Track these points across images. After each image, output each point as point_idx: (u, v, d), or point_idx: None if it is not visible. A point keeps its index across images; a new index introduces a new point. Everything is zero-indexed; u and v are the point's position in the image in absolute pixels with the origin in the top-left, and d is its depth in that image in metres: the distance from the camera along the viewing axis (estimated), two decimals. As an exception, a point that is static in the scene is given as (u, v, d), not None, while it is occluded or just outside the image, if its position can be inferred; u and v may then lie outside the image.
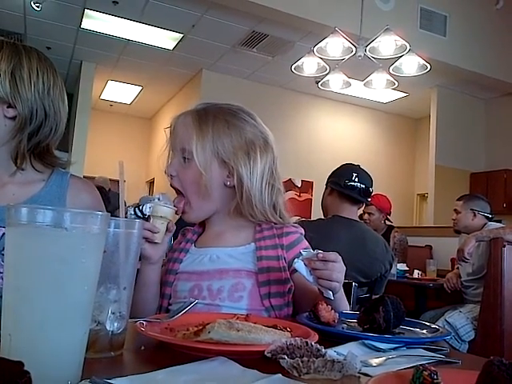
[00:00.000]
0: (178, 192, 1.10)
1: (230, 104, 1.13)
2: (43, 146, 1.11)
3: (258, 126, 1.11)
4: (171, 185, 1.10)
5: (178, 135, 1.09)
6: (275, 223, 1.11)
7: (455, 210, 3.36)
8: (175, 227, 1.05)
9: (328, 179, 2.48)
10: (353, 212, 2.40)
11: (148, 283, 1.06)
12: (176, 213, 1.07)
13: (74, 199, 1.16)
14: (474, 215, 3.25)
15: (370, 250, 2.30)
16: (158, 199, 1.03)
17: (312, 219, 2.74)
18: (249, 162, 1.05)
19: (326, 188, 2.50)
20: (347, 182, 2.37)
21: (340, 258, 0.91)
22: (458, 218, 3.33)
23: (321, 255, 0.89)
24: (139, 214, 1.00)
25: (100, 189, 4.12)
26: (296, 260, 0.92)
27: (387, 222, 4.24)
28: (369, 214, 4.07)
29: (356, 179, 2.36)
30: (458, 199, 3.42)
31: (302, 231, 1.15)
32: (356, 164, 2.53)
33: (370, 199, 2.51)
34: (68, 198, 1.16)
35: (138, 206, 1.02)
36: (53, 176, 1.17)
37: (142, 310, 1.01)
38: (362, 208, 3.82)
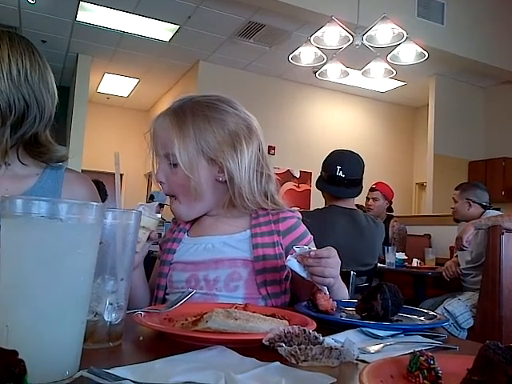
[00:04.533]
0: (170, 197, 1.09)
1: (207, 95, 1.08)
2: (30, 136, 1.05)
3: (240, 113, 1.07)
4: (164, 191, 1.07)
5: (160, 140, 1.05)
6: (271, 209, 1.10)
7: (453, 198, 3.38)
8: (157, 236, 1.04)
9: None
10: (349, 202, 2.39)
11: (134, 286, 1.04)
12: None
13: (69, 193, 1.13)
14: (470, 205, 3.26)
15: (368, 238, 2.30)
16: (143, 209, 1.02)
17: (309, 210, 2.73)
18: (236, 155, 1.02)
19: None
20: (332, 178, 2.31)
21: (334, 252, 0.90)
22: (455, 208, 3.34)
23: (313, 253, 0.89)
24: None
25: (98, 183, 4.14)
26: (289, 258, 0.91)
27: (388, 212, 4.24)
28: (373, 199, 4.05)
29: (340, 172, 2.28)
30: (456, 188, 3.43)
31: (299, 215, 1.13)
32: (344, 150, 2.45)
33: (361, 189, 2.45)
34: (63, 191, 1.13)
35: None
36: (47, 170, 1.14)
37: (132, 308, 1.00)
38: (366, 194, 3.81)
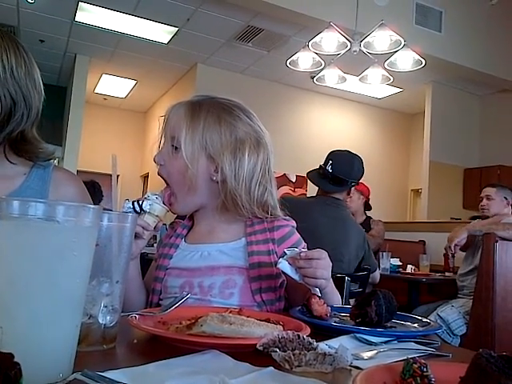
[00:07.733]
0: (165, 182, 1.10)
1: (228, 99, 1.10)
2: (17, 134, 1.02)
3: (253, 125, 1.08)
4: (158, 173, 1.09)
5: (170, 124, 1.08)
6: (265, 217, 1.10)
7: (487, 196, 3.34)
8: (161, 225, 1.05)
9: None
10: (339, 195, 2.42)
11: (130, 278, 1.05)
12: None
13: (57, 192, 1.10)
14: (508, 203, 3.27)
15: (349, 235, 2.33)
16: (156, 198, 1.03)
17: (296, 196, 2.77)
18: (234, 161, 1.03)
19: None
20: (322, 170, 2.39)
21: (325, 254, 0.90)
22: (490, 204, 3.32)
23: (303, 254, 0.89)
24: (137, 208, 1.00)
25: (94, 184, 4.13)
26: (280, 260, 0.92)
27: (366, 210, 4.22)
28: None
29: (329, 167, 2.34)
30: (490, 186, 3.42)
31: (294, 224, 1.14)
32: (346, 151, 2.50)
33: (345, 189, 2.45)
34: (51, 191, 1.10)
35: (137, 200, 1.02)
36: (34, 169, 1.10)
37: (127, 304, 1.00)
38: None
